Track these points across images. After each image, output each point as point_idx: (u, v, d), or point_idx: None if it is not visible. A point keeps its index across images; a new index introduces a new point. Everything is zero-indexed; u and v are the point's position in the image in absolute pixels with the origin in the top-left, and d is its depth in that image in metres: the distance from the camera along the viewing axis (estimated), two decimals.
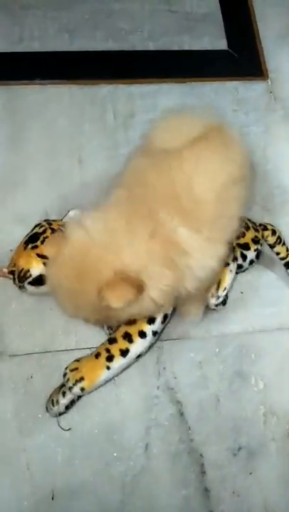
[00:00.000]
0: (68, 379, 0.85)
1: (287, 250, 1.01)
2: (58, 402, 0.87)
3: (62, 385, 0.87)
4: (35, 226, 0.93)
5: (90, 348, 0.91)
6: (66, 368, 0.87)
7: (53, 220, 0.93)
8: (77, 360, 0.88)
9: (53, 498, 0.85)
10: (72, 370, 0.86)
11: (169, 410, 0.92)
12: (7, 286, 0.93)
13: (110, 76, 1.18)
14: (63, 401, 0.87)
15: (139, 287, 0.74)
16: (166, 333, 0.95)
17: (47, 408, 0.88)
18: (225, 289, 0.94)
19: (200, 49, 1.25)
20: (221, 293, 0.94)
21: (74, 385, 0.85)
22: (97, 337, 0.92)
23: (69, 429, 0.89)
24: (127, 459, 0.88)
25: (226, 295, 0.95)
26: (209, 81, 1.21)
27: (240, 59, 1.26)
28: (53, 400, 0.87)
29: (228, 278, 0.94)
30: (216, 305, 0.94)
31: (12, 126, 1.11)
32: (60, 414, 0.88)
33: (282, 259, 1.01)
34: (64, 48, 1.20)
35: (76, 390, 0.85)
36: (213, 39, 1.27)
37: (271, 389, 0.95)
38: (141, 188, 0.82)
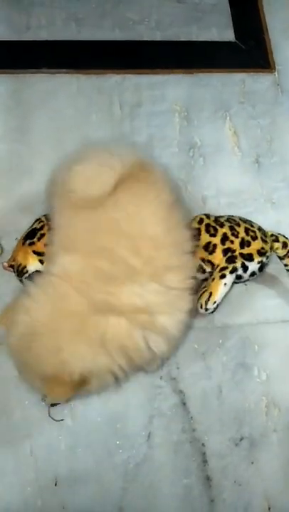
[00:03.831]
0: None
1: None
2: None
3: None
4: (36, 221, 0.93)
5: None
6: None
7: None
8: None
9: (56, 485, 0.86)
10: None
11: (172, 400, 0.92)
12: (10, 278, 0.94)
13: (118, 66, 1.18)
14: None
15: (81, 382, 0.72)
16: None
17: (42, 397, 0.88)
18: (215, 302, 0.91)
19: (207, 40, 1.24)
20: (211, 306, 0.91)
21: None
22: None
23: (62, 419, 0.89)
24: (129, 447, 0.89)
25: (217, 306, 0.92)
26: (216, 72, 1.21)
27: (247, 51, 1.25)
28: None
29: (220, 291, 0.91)
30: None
31: (18, 115, 1.10)
32: (54, 404, 0.87)
33: None
34: (71, 37, 1.20)
35: None
36: (221, 30, 1.26)
37: (274, 380, 0.95)
38: (89, 252, 0.75)
